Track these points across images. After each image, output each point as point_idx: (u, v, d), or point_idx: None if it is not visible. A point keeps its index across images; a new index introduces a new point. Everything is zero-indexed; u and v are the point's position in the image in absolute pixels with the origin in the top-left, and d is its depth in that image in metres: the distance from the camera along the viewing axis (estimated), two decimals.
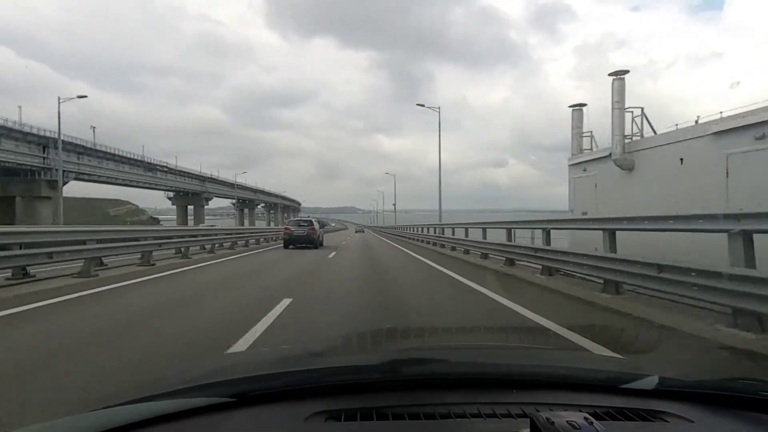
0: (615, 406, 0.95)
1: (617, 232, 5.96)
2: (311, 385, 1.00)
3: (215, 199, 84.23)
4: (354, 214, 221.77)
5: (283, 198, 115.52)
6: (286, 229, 19.06)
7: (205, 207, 77.58)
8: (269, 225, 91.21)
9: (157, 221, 77.47)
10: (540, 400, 0.96)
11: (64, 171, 40.83)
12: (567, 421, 0.70)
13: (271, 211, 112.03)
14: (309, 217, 23.99)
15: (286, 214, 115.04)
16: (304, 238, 17.86)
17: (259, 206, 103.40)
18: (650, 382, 1.03)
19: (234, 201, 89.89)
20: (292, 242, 17.90)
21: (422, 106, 26.74)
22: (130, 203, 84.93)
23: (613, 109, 16.86)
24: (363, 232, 57.20)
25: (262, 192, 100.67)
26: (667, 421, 0.92)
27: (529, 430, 0.74)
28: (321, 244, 19.20)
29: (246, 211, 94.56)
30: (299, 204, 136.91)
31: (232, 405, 0.92)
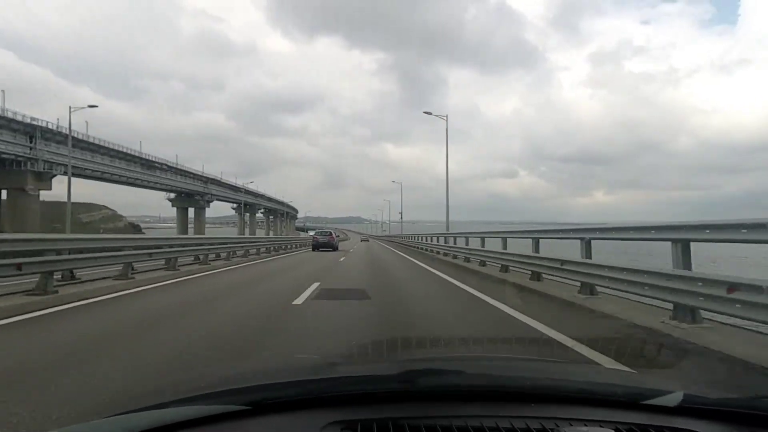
0: (637, 422, 0.95)
1: None
2: (327, 395, 1.03)
3: (214, 205, 75.37)
4: (360, 224, 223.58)
5: (283, 204, 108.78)
6: (314, 238, 29.61)
7: (205, 212, 72.24)
8: (268, 234, 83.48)
9: (138, 229, 71.20)
10: (559, 415, 0.97)
11: (51, 164, 40.58)
12: None
13: (271, 217, 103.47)
14: (329, 229, 35.16)
15: (283, 221, 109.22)
16: (327, 244, 27.91)
17: (259, 212, 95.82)
18: (674, 398, 1.02)
19: (235, 206, 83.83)
20: (318, 246, 27.65)
21: (429, 114, 26.62)
22: (107, 208, 75.45)
23: None
24: (368, 241, 59.67)
25: (264, 197, 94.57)
26: None
27: None
28: (337, 248, 28.56)
29: (247, 216, 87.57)
30: (297, 211, 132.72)
31: (248, 413, 0.94)
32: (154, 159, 59.69)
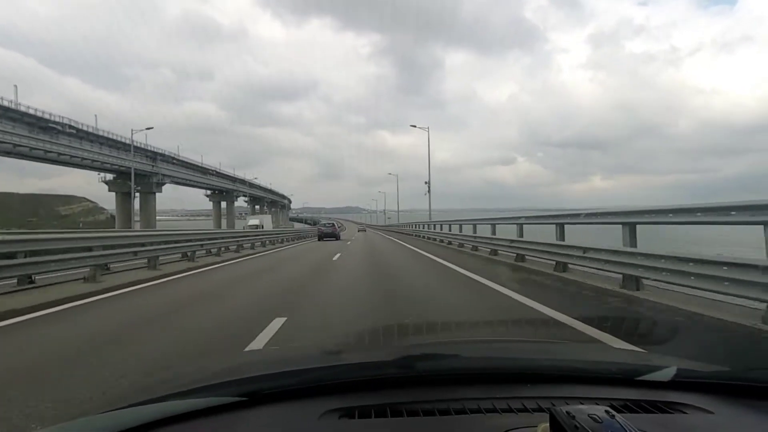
0: (632, 398, 0.98)
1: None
2: (324, 383, 1.03)
3: (195, 193, 63.95)
4: (358, 214, 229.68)
5: (271, 191, 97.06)
6: (319, 229, 34.96)
7: (155, 197, 55.48)
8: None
9: None
10: (555, 394, 0.98)
11: None
12: (588, 415, 0.71)
13: (256, 207, 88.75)
14: (332, 221, 41.39)
15: (274, 211, 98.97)
16: (330, 234, 32.42)
17: (239, 199, 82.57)
18: (667, 373, 1.05)
19: (208, 193, 72.36)
20: (323, 236, 32.10)
21: (414, 126, 34.34)
22: (87, 200, 70.46)
23: None
24: (365, 231, 59.19)
25: (244, 182, 79.93)
26: (686, 413, 0.94)
27: (548, 424, 0.75)
28: (339, 238, 32.82)
29: (224, 205, 75.93)
30: (289, 201, 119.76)
31: (245, 404, 0.94)
32: (49, 117, 39.93)
